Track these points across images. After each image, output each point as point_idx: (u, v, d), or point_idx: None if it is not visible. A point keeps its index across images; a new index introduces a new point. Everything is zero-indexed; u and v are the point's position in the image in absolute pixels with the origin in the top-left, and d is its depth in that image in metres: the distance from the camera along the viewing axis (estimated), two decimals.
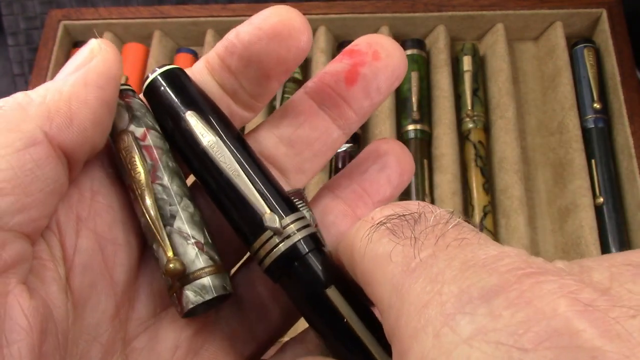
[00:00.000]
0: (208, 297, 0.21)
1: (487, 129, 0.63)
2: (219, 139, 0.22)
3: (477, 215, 0.59)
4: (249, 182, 0.22)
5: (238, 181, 0.22)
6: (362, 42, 0.24)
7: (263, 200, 0.21)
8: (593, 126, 0.61)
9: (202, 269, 0.21)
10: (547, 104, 0.65)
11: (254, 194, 0.21)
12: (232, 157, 0.22)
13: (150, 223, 0.22)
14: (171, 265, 0.21)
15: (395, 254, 0.16)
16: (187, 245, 0.21)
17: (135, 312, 0.23)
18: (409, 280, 0.15)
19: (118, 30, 0.68)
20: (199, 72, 0.24)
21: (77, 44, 0.69)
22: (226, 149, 0.22)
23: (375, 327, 0.20)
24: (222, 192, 0.22)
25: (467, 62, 0.65)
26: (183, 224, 0.22)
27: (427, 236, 0.16)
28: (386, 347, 0.20)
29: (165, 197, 0.22)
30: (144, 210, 0.22)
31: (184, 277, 0.21)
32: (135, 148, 0.22)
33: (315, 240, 0.22)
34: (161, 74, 0.23)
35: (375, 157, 0.26)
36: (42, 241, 0.20)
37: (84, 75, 0.20)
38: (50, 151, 0.19)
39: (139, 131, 0.22)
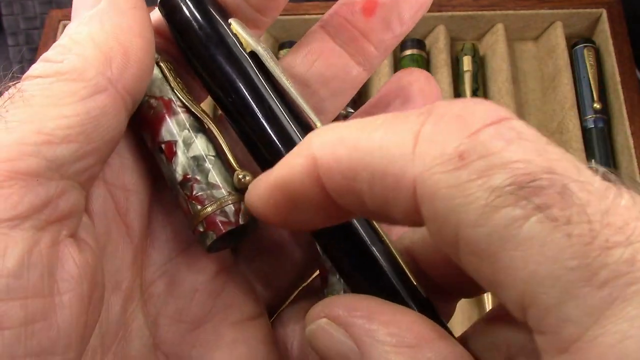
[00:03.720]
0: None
1: None
2: (267, 47, 0.20)
3: None
4: (300, 93, 0.20)
5: (293, 90, 0.20)
6: None
7: (314, 113, 0.20)
8: (593, 126, 0.61)
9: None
10: (547, 104, 0.65)
11: (307, 105, 0.20)
12: (281, 66, 0.20)
13: (217, 135, 0.21)
14: (243, 175, 0.21)
15: (561, 246, 0.12)
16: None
17: (151, 258, 0.22)
18: (611, 310, 0.11)
19: None
20: None
21: None
22: (275, 57, 0.20)
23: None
24: (269, 102, 0.20)
25: (467, 62, 0.65)
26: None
27: (608, 239, 0.12)
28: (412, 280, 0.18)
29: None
30: (211, 123, 0.21)
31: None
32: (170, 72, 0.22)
33: None
34: None
35: (397, 90, 0.24)
36: None
37: (114, 2, 0.19)
38: (116, 97, 0.18)
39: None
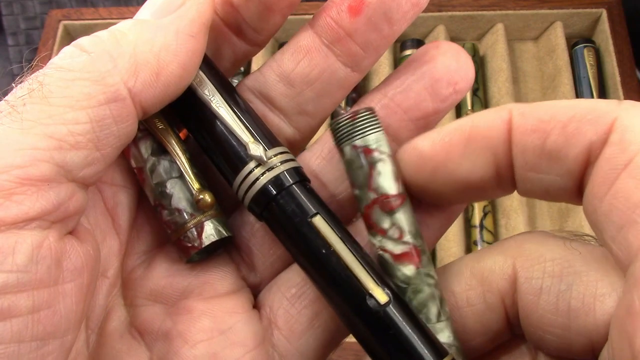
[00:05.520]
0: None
1: None
2: (203, 75, 0.22)
3: (477, 216, 0.59)
4: (233, 114, 0.21)
5: (222, 112, 0.21)
6: None
7: (247, 131, 0.21)
8: None
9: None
10: None
11: (239, 125, 0.21)
12: (215, 90, 0.22)
13: (176, 156, 0.22)
14: (201, 197, 0.22)
15: None
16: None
17: (135, 248, 0.23)
18: None
19: None
20: None
21: None
22: (210, 83, 0.22)
23: (364, 257, 0.20)
24: (206, 127, 0.22)
25: None
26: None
27: None
28: (376, 275, 0.20)
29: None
30: (169, 144, 0.22)
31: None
32: None
33: (299, 173, 0.21)
34: None
35: (416, 65, 0.23)
36: None
37: (176, 22, 0.19)
38: (131, 109, 0.19)
39: None
